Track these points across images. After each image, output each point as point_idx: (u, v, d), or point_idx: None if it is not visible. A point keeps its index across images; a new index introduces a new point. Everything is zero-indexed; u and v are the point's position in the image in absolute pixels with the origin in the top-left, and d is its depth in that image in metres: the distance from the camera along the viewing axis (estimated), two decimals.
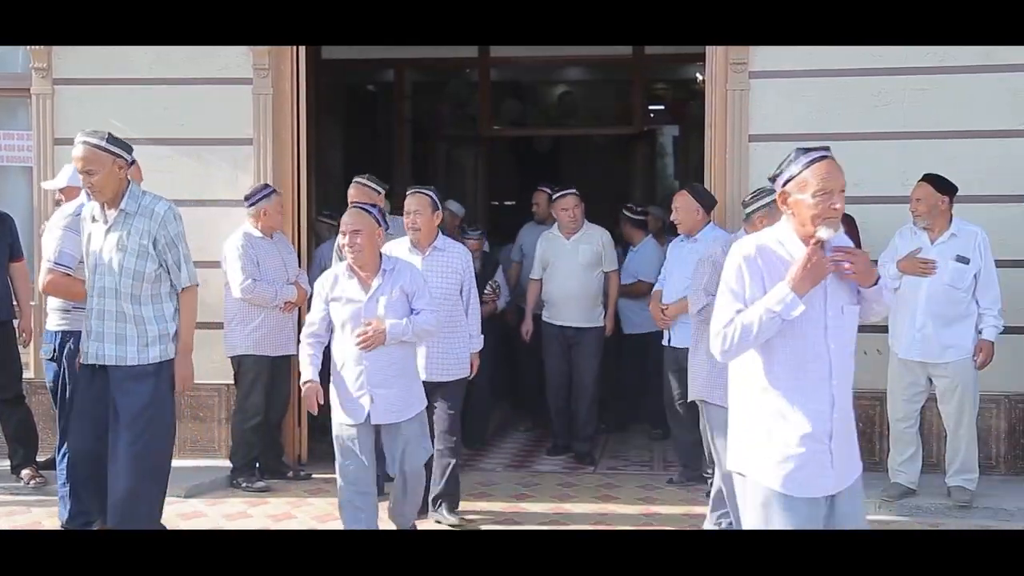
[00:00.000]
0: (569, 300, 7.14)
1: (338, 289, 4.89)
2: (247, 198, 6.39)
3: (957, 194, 5.80)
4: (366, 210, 4.91)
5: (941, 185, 5.74)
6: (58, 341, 5.40)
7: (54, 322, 5.49)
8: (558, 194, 7.26)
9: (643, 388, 7.78)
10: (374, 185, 6.25)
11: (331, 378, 4.98)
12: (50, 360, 5.49)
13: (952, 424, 5.81)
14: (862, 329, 5.90)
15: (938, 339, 5.72)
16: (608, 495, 6.34)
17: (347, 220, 4.85)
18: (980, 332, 5.73)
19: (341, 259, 5.13)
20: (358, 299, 4.85)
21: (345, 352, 4.87)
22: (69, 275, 5.10)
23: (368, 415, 4.85)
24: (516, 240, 8.32)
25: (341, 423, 4.91)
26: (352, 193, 6.13)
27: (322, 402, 4.87)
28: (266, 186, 6.48)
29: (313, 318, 4.97)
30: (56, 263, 5.10)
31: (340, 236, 4.92)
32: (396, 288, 4.89)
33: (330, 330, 4.95)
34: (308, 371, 4.90)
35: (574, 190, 7.22)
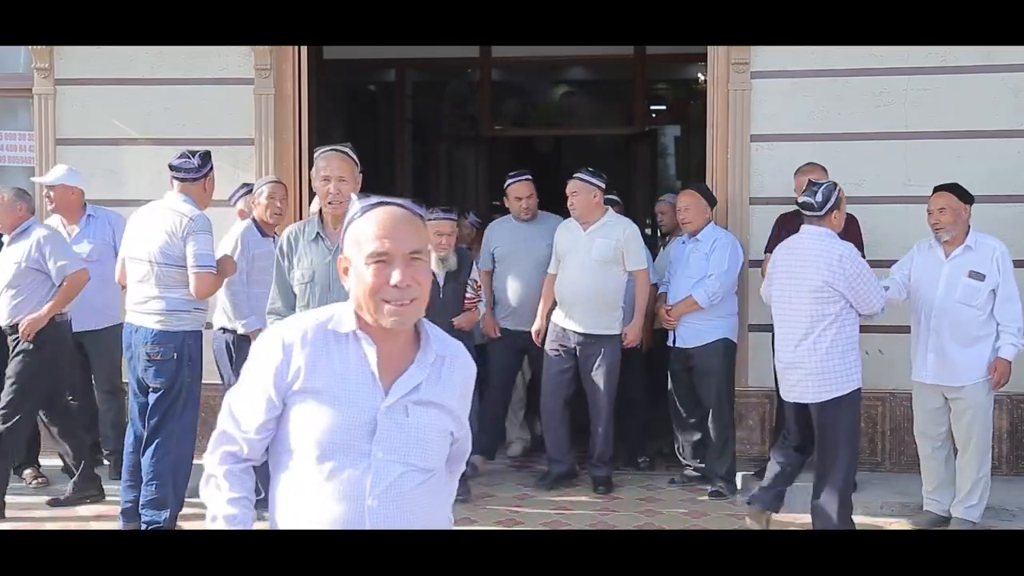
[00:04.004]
0: (577, 302, 6.16)
1: (326, 367, 2.24)
2: (230, 198, 6.35)
3: None
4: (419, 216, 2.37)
5: (963, 194, 5.39)
6: (179, 341, 5.28)
7: (171, 322, 5.28)
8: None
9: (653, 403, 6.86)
10: (355, 156, 4.57)
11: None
12: (168, 361, 5.26)
13: (960, 447, 5.50)
14: (863, 329, 5.92)
15: (952, 362, 5.36)
16: (609, 495, 6.34)
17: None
18: (997, 349, 5.36)
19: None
20: (367, 403, 2.25)
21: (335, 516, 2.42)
22: (213, 274, 5.31)
23: None
24: (483, 242, 6.94)
25: None
26: (328, 167, 4.47)
27: None
28: (244, 184, 6.39)
29: (249, 423, 2.30)
30: (209, 266, 5.29)
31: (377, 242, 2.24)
32: (441, 392, 2.35)
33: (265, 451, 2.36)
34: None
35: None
